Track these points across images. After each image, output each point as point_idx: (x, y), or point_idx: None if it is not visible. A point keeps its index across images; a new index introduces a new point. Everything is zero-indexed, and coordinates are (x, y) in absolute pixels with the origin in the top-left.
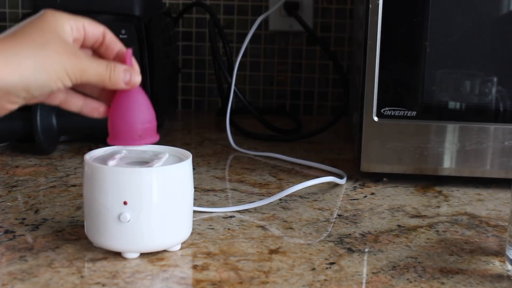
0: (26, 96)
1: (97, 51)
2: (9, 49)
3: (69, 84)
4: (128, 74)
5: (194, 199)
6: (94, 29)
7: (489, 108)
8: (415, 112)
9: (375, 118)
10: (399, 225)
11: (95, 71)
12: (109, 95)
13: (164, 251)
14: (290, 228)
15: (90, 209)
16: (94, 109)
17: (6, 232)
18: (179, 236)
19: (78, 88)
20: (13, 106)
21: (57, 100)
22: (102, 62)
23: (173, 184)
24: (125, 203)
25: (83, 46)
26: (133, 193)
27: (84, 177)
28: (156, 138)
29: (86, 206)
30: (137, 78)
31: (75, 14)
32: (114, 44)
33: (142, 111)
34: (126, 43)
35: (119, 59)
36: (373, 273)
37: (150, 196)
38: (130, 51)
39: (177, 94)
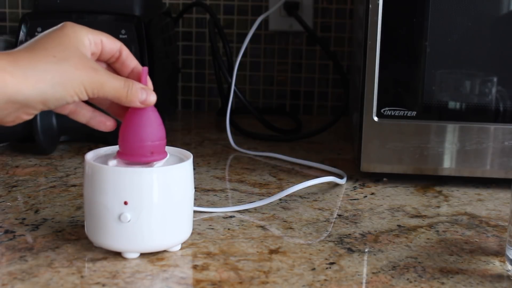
0: (42, 108)
1: (112, 66)
2: (29, 63)
3: (86, 98)
4: (144, 93)
5: (194, 199)
6: (111, 44)
7: (489, 108)
8: (415, 112)
9: (375, 118)
10: (399, 225)
11: (113, 87)
12: (118, 109)
13: (164, 251)
14: (290, 228)
15: (90, 209)
16: (101, 122)
17: (6, 232)
18: (179, 236)
19: (89, 100)
20: (29, 117)
21: (67, 110)
22: (120, 79)
23: (173, 185)
24: (125, 203)
25: (99, 60)
26: (133, 193)
27: (84, 177)
28: (166, 155)
29: (86, 206)
30: (153, 98)
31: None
32: (130, 60)
33: (155, 129)
34: (126, 43)
35: (134, 76)
36: (373, 273)
37: (151, 196)
38: (146, 69)
39: (177, 94)
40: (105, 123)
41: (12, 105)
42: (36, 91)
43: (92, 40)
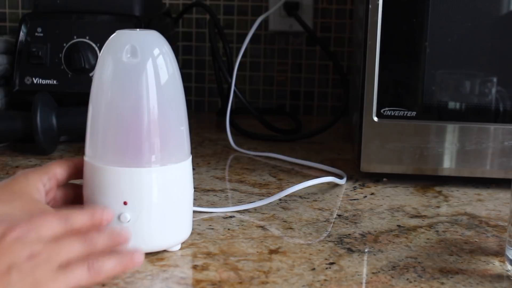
0: None
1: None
2: None
3: None
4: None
5: (194, 199)
6: (63, 173)
7: (489, 108)
8: (415, 112)
9: (375, 118)
10: (399, 225)
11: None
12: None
13: (164, 251)
14: (290, 228)
15: None
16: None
17: None
18: (179, 236)
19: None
20: None
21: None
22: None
23: (173, 184)
24: (125, 203)
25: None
26: (133, 193)
27: (84, 177)
28: None
29: (86, 206)
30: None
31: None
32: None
33: None
34: None
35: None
36: (373, 273)
37: (150, 196)
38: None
39: None
40: None
41: None
42: None
43: (47, 180)
